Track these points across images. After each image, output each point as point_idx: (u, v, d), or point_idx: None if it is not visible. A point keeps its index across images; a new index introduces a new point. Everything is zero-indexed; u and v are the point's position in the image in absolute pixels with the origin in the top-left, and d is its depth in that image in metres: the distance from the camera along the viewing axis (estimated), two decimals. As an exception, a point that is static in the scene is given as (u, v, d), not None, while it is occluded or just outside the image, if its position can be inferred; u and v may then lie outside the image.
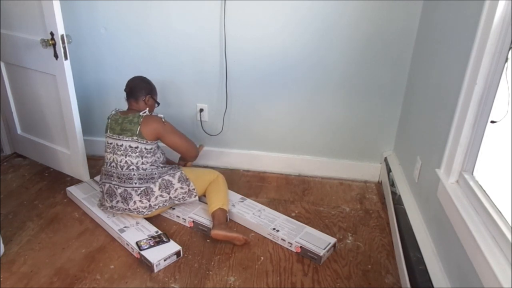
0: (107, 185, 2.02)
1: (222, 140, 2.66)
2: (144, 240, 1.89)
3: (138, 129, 1.95)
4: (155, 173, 2.02)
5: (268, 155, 2.66)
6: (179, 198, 2.09)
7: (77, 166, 2.45)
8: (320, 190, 2.50)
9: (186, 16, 2.33)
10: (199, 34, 2.36)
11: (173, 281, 1.74)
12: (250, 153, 2.68)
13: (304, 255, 1.90)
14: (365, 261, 1.89)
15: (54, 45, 2.08)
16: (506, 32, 1.23)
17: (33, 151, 2.71)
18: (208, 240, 2.00)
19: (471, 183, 1.37)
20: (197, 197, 2.14)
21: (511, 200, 1.16)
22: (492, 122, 1.33)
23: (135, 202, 1.97)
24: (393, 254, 1.93)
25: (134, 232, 1.95)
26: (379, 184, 2.59)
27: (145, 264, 1.81)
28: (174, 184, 2.05)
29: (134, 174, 1.97)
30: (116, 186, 1.99)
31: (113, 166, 2.00)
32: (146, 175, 2.00)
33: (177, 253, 1.86)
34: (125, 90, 2.11)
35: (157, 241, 1.90)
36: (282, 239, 1.97)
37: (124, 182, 1.98)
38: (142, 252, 1.82)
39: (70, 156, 2.45)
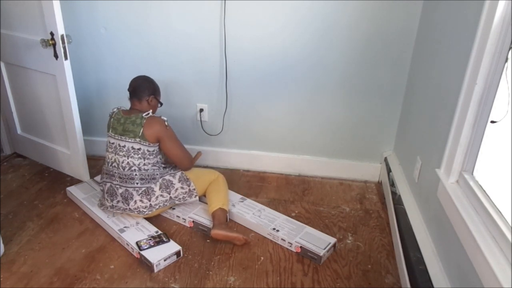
0: (108, 184, 2.02)
1: (222, 140, 2.66)
2: (144, 240, 1.89)
3: (141, 131, 1.94)
4: (157, 174, 2.02)
5: (268, 155, 2.66)
6: (180, 198, 2.09)
7: (77, 166, 2.45)
8: (320, 190, 2.50)
9: (186, 16, 2.33)
10: (199, 34, 2.36)
11: (173, 281, 1.74)
12: (250, 153, 2.68)
13: (304, 255, 1.90)
14: (365, 261, 1.89)
15: (54, 45, 2.08)
16: (506, 32, 1.23)
17: (33, 151, 2.71)
18: (208, 240, 2.00)
19: (471, 183, 1.37)
20: (197, 197, 2.14)
21: (511, 200, 1.16)
22: (492, 122, 1.33)
23: (135, 201, 1.97)
24: (393, 254, 1.93)
25: (134, 232, 1.95)
26: (379, 184, 2.59)
27: (145, 264, 1.81)
28: (174, 184, 2.05)
29: (136, 175, 1.97)
30: (117, 186, 1.99)
31: (115, 166, 2.00)
32: (148, 175, 2.00)
33: (177, 253, 1.86)
34: (128, 89, 2.09)
35: (157, 241, 1.90)
36: (282, 239, 1.97)
37: (126, 182, 1.98)
38: (142, 252, 1.82)
39: (70, 156, 2.45)
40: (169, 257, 1.83)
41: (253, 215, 2.14)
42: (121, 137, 1.97)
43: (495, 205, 1.23)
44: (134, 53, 2.48)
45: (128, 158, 1.96)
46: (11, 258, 1.85)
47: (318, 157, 2.62)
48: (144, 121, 1.95)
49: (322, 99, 2.43)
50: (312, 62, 2.34)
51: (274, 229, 2.02)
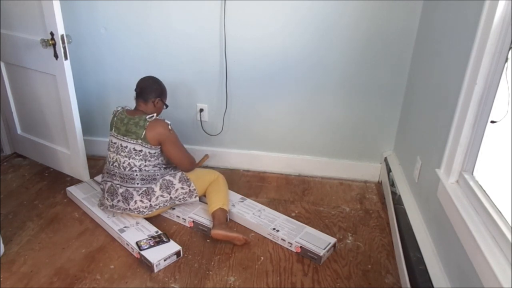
0: (109, 183, 2.02)
1: (222, 140, 2.66)
2: (144, 240, 1.89)
3: (144, 133, 1.94)
4: (158, 174, 2.02)
5: (268, 155, 2.66)
6: (180, 199, 2.09)
7: (77, 166, 2.45)
8: (320, 190, 2.50)
9: (186, 16, 2.33)
10: (199, 34, 2.36)
11: (173, 281, 1.74)
12: (250, 153, 2.68)
13: (304, 255, 1.90)
14: (365, 261, 1.89)
15: (54, 45, 2.08)
16: (506, 32, 1.23)
17: (33, 151, 2.71)
18: (208, 240, 2.00)
19: (471, 183, 1.37)
20: (197, 198, 2.14)
21: (511, 200, 1.16)
22: (492, 122, 1.33)
23: (136, 201, 1.97)
24: (393, 254, 1.93)
25: (134, 232, 1.95)
26: (379, 184, 2.59)
27: (145, 264, 1.81)
28: (175, 185, 2.05)
29: (136, 175, 1.97)
30: (118, 186, 1.99)
31: (116, 166, 1.99)
32: (149, 176, 1.99)
33: (177, 253, 1.86)
34: (135, 89, 2.07)
35: (157, 241, 1.90)
36: (282, 239, 1.97)
37: (126, 182, 1.98)
38: (142, 252, 1.82)
39: (70, 156, 2.45)
40: (169, 257, 1.83)
41: (253, 215, 2.14)
42: (123, 138, 1.97)
43: (495, 205, 1.23)
44: (134, 53, 2.48)
45: (129, 159, 1.96)
46: (11, 258, 1.85)
47: (318, 157, 2.62)
48: (147, 123, 1.94)
49: (322, 99, 2.43)
50: (312, 62, 2.34)
51: (274, 229, 2.02)
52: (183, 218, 2.11)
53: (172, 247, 1.87)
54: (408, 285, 1.59)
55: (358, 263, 1.88)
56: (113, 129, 2.02)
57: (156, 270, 1.78)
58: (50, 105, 2.38)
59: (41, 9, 2.03)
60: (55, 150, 2.53)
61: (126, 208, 1.99)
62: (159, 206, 2.03)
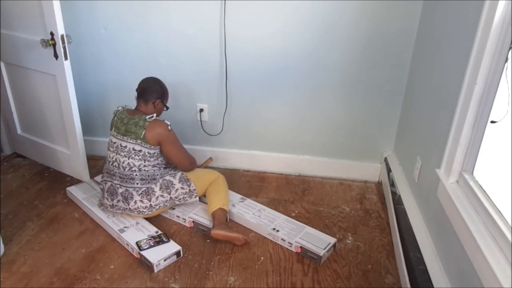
0: (109, 183, 2.02)
1: (222, 140, 2.66)
2: (144, 240, 1.89)
3: (143, 133, 1.94)
4: (157, 174, 2.02)
5: (268, 155, 2.66)
6: (180, 199, 2.09)
7: (77, 166, 2.45)
8: (320, 190, 2.50)
9: (186, 16, 2.33)
10: (199, 34, 2.36)
11: (173, 281, 1.74)
12: (250, 153, 2.68)
13: (304, 255, 1.90)
14: (365, 261, 1.89)
15: (54, 45, 2.08)
16: (506, 32, 1.23)
17: (33, 151, 2.71)
18: (208, 240, 2.00)
19: (471, 183, 1.37)
20: (197, 198, 2.14)
21: (511, 200, 1.16)
22: (492, 122, 1.33)
23: (135, 202, 1.97)
24: (393, 254, 1.93)
25: (134, 232, 1.95)
26: (379, 184, 2.59)
27: (145, 264, 1.81)
28: (175, 185, 2.05)
29: (136, 175, 1.97)
30: (117, 185, 1.99)
31: (115, 166, 1.99)
32: (148, 176, 1.99)
33: (177, 253, 1.86)
34: (136, 89, 2.08)
35: (157, 241, 1.90)
36: (282, 239, 1.97)
37: (126, 182, 1.98)
38: (142, 252, 1.82)
39: (70, 156, 2.45)
40: (169, 257, 1.83)
41: (253, 215, 2.14)
42: (123, 138, 1.97)
43: (495, 205, 1.23)
44: (134, 53, 2.48)
45: (128, 159, 1.96)
46: (11, 258, 1.85)
47: (318, 157, 2.62)
48: (147, 123, 1.94)
49: (322, 99, 2.43)
50: (312, 62, 2.34)
51: (274, 229, 2.02)
52: (183, 218, 2.11)
53: (172, 247, 1.87)
54: (408, 285, 1.59)
55: (358, 263, 1.88)
56: (113, 129, 2.02)
57: (156, 270, 1.78)
58: (50, 105, 2.38)
59: (41, 9, 2.03)
60: (55, 150, 2.53)
61: (126, 208, 1.99)
62: (159, 206, 2.03)
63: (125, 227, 1.99)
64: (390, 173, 2.30)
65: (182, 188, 2.07)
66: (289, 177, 2.65)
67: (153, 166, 2.01)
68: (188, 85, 2.52)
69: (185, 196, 2.10)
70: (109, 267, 1.81)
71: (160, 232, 1.97)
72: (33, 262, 1.83)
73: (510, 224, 1.12)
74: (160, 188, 2.01)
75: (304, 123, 2.53)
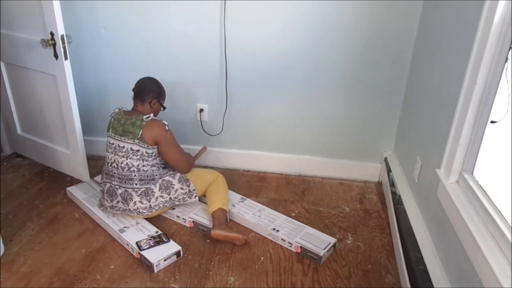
0: (108, 184, 2.02)
1: (222, 140, 2.66)
2: (144, 240, 1.89)
3: (140, 133, 1.94)
4: (156, 174, 2.02)
5: (268, 155, 2.66)
6: (179, 199, 2.09)
7: (77, 166, 2.46)
8: (320, 190, 2.50)
9: (186, 16, 2.33)
10: (199, 34, 2.36)
11: (173, 281, 1.74)
12: (250, 153, 2.68)
13: (304, 255, 1.90)
14: (365, 261, 1.89)
15: (54, 45, 2.08)
16: (506, 32, 1.23)
17: (33, 151, 2.71)
18: (208, 240, 2.00)
19: (471, 183, 1.37)
20: (197, 198, 2.14)
21: (511, 200, 1.16)
22: (492, 122, 1.33)
23: (135, 202, 1.97)
24: (393, 254, 1.93)
25: (134, 232, 1.95)
26: (379, 184, 2.59)
27: (145, 264, 1.81)
28: (174, 185, 2.05)
29: (135, 176, 1.97)
30: (117, 187, 1.99)
31: (114, 166, 1.99)
32: (147, 176, 1.99)
33: (177, 253, 1.86)
34: (133, 89, 2.08)
35: (157, 241, 1.90)
36: (282, 239, 1.97)
37: (125, 182, 1.98)
38: (142, 252, 1.82)
39: (70, 156, 2.45)
40: (169, 257, 1.83)
41: (253, 215, 2.14)
42: (120, 138, 1.97)
43: (495, 205, 1.23)
44: (134, 53, 2.48)
45: (127, 159, 1.96)
46: (11, 258, 1.85)
47: (318, 157, 2.62)
48: (144, 123, 1.95)
49: (322, 99, 2.43)
50: (312, 62, 2.34)
51: (274, 229, 2.02)
52: (183, 218, 2.11)
53: (172, 247, 1.87)
54: (408, 285, 1.59)
55: (358, 263, 1.88)
56: (110, 130, 2.02)
57: (156, 270, 1.78)
58: (50, 105, 2.38)
59: (41, 9, 2.03)
60: (55, 150, 2.53)
61: (126, 209, 1.99)
62: (159, 207, 2.03)
63: (125, 227, 1.99)
64: (390, 173, 2.30)
65: (182, 188, 2.07)
66: (289, 177, 2.65)
67: (152, 166, 2.01)
68: (188, 85, 2.52)
69: (184, 196, 2.10)
70: (109, 267, 1.81)
71: (160, 232, 1.97)
72: (33, 262, 1.83)
73: (510, 224, 1.12)
74: (160, 189, 2.01)
75: (304, 123, 2.53)
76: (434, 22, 1.92)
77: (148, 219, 2.08)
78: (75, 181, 2.47)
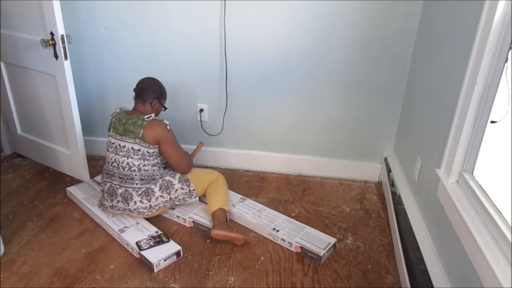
0: (108, 184, 2.02)
1: (222, 140, 2.66)
2: (144, 240, 1.89)
3: (141, 132, 1.94)
4: (157, 174, 2.02)
5: (268, 155, 2.66)
6: (180, 199, 2.09)
7: (77, 166, 2.46)
8: (320, 190, 2.50)
9: (186, 16, 2.33)
10: (199, 34, 2.36)
11: (173, 281, 1.74)
12: (250, 153, 2.68)
13: (304, 255, 1.90)
14: (365, 261, 1.89)
15: (54, 45, 2.08)
16: (506, 32, 1.23)
17: (33, 151, 2.71)
18: (208, 240, 2.00)
19: (471, 183, 1.37)
20: (197, 198, 2.14)
21: (511, 200, 1.16)
22: (492, 122, 1.33)
23: (135, 202, 1.97)
24: (393, 254, 1.93)
25: (134, 232, 1.95)
26: (379, 184, 2.59)
27: (145, 264, 1.81)
28: (174, 185, 2.05)
29: (135, 175, 1.97)
30: (117, 186, 1.99)
31: (115, 166, 1.99)
32: (148, 176, 1.99)
33: (177, 253, 1.86)
34: (134, 89, 2.08)
35: (157, 241, 1.90)
36: (282, 239, 1.97)
37: (126, 182, 1.98)
38: (142, 252, 1.82)
39: (70, 156, 2.45)
40: (169, 257, 1.83)
41: (253, 215, 2.14)
42: (121, 137, 1.97)
43: (495, 205, 1.23)
44: (134, 53, 2.48)
45: (128, 159, 1.96)
46: (11, 258, 1.85)
47: (318, 157, 2.62)
48: (145, 123, 1.95)
49: (322, 99, 2.43)
50: (312, 62, 2.34)
51: (274, 229, 2.02)
52: (183, 218, 2.11)
53: (172, 247, 1.87)
54: (408, 285, 1.59)
55: (358, 263, 1.88)
56: (111, 130, 2.02)
57: (156, 270, 1.78)
58: (50, 105, 2.38)
59: (41, 9, 2.03)
60: (55, 150, 2.53)
61: (126, 209, 1.99)
62: (159, 207, 2.03)
63: (125, 227, 1.99)
64: (390, 173, 2.30)
65: (182, 188, 2.07)
66: (289, 177, 2.65)
67: (153, 165, 2.01)
68: (188, 85, 2.52)
69: (184, 196, 2.10)
70: (109, 267, 1.81)
71: (160, 232, 1.97)
72: (33, 262, 1.83)
73: (510, 224, 1.12)
74: (160, 189, 2.01)
75: (304, 123, 2.53)
76: (434, 22, 1.92)
77: (148, 219, 2.08)
78: (75, 181, 2.47)
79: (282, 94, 2.46)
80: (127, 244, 1.91)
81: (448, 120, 1.53)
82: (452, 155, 1.47)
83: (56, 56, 2.11)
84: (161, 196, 2.02)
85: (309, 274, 1.80)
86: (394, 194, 2.16)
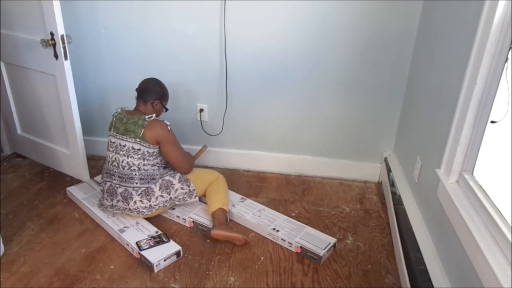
0: (108, 183, 2.02)
1: (222, 140, 2.66)
2: (144, 240, 1.89)
3: (142, 132, 1.94)
4: (157, 174, 2.02)
5: (268, 155, 2.66)
6: (180, 199, 2.09)
7: (77, 166, 2.46)
8: (320, 190, 2.50)
9: (186, 16, 2.33)
10: (199, 34, 2.36)
11: (173, 281, 1.74)
12: (250, 153, 2.68)
13: (304, 255, 1.90)
14: (365, 261, 1.89)
15: (54, 45, 2.08)
16: (506, 32, 1.23)
17: (33, 151, 2.71)
18: (208, 240, 2.00)
19: (471, 183, 1.37)
20: (197, 198, 2.14)
21: (511, 200, 1.16)
22: (492, 122, 1.33)
23: (135, 202, 1.97)
24: (393, 254, 1.93)
25: (134, 232, 1.95)
26: (379, 184, 2.59)
27: (145, 264, 1.81)
28: (174, 185, 2.05)
29: (135, 175, 1.97)
30: (117, 185, 1.99)
31: (115, 165, 2.00)
32: (148, 175, 2.00)
33: (177, 253, 1.86)
34: (136, 89, 2.09)
35: (157, 241, 1.90)
36: (282, 239, 1.97)
37: (125, 181, 1.98)
38: (142, 252, 1.82)
39: (70, 156, 2.45)
40: (169, 257, 1.83)
41: (253, 215, 2.14)
42: (122, 137, 1.97)
43: (495, 205, 1.23)
44: (134, 53, 2.48)
45: (128, 158, 1.96)
46: (11, 258, 1.85)
47: (318, 157, 2.62)
48: (146, 123, 1.95)
49: (322, 99, 2.43)
50: (312, 62, 2.34)
51: (274, 229, 2.02)
52: (183, 218, 2.11)
53: (172, 247, 1.87)
54: (408, 285, 1.59)
55: (358, 263, 1.88)
56: (112, 129, 2.02)
57: (156, 270, 1.78)
58: (50, 105, 2.38)
59: (41, 9, 2.03)
60: (55, 150, 2.53)
61: (126, 208, 1.99)
62: (159, 207, 2.03)
63: (125, 227, 1.99)
64: (390, 173, 2.30)
65: (182, 188, 2.07)
66: (289, 177, 2.65)
67: (153, 165, 2.01)
68: (188, 85, 2.52)
69: (184, 196, 2.10)
70: (109, 267, 1.81)
71: (160, 232, 1.97)
72: (33, 262, 1.83)
73: (510, 224, 1.12)
74: (160, 188, 2.01)
75: (304, 123, 2.53)
76: (434, 22, 1.92)
77: (148, 219, 2.08)
78: (75, 181, 2.48)
79: (282, 94, 2.46)
80: (127, 244, 1.91)
81: (448, 120, 1.53)
82: (452, 155, 1.47)
83: (56, 56, 2.11)
84: (161, 195, 2.02)
85: (309, 274, 1.80)
86: (394, 194, 2.16)
